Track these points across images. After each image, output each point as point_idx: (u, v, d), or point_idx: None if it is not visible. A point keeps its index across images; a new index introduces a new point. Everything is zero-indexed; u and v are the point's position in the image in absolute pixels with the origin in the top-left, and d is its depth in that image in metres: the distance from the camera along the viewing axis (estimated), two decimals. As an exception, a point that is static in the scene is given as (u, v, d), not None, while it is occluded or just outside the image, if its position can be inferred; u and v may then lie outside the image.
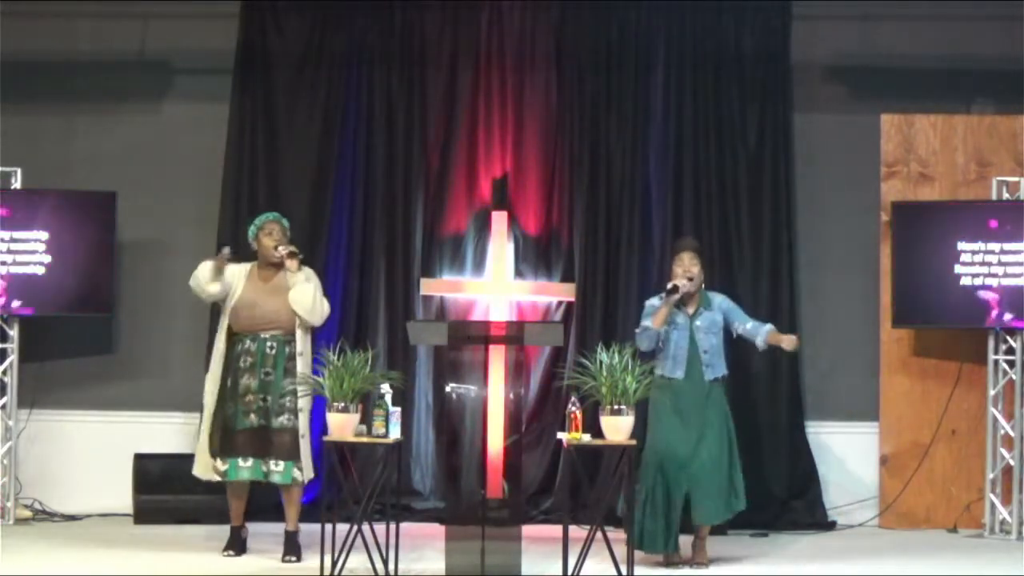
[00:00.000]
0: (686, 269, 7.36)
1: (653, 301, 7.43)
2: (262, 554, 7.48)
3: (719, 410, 7.35)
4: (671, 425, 7.18)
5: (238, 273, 7.48)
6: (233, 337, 7.40)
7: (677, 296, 7.29)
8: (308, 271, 7.48)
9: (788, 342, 7.42)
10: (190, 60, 9.00)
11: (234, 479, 7.30)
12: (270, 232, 7.46)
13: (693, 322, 7.37)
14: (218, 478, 7.34)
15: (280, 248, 7.37)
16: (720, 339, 7.43)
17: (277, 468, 7.26)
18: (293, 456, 7.27)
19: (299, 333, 7.36)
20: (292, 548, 7.37)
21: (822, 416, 8.83)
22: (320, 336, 7.91)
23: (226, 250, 7.41)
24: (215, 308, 8.57)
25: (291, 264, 7.35)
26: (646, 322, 7.36)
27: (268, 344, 7.34)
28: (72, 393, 8.90)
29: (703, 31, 8.88)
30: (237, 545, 7.45)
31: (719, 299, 7.51)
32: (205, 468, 7.37)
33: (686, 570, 7.25)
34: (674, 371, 7.34)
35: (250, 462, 7.27)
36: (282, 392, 7.28)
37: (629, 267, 8.74)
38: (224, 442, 7.30)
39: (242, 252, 7.66)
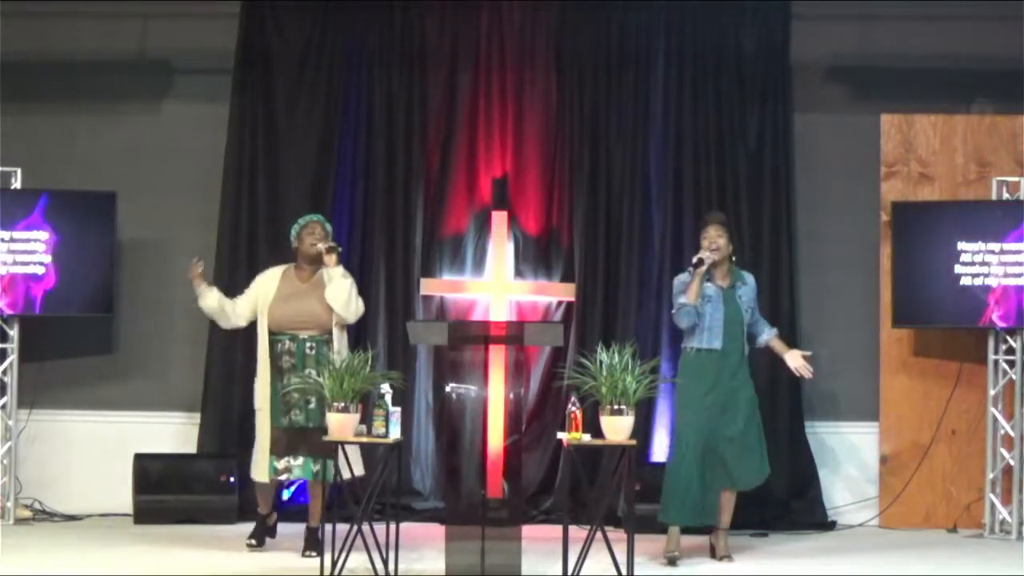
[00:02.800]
0: (711, 241, 7.44)
1: (682, 277, 7.52)
2: (263, 551, 7.48)
3: (748, 380, 7.49)
4: (701, 401, 7.29)
5: (270, 278, 7.54)
6: (272, 337, 7.41)
7: (704, 268, 7.36)
8: (345, 270, 7.55)
9: (792, 357, 7.58)
10: (190, 60, 9.00)
11: (302, 477, 7.37)
12: (312, 231, 7.54)
13: (734, 293, 7.47)
14: (283, 477, 7.36)
15: (320, 244, 7.45)
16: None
17: (316, 467, 7.30)
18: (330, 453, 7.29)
19: (335, 332, 7.39)
20: (313, 543, 7.39)
21: (822, 416, 8.83)
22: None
23: (196, 263, 7.58)
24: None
25: (329, 259, 7.43)
26: (680, 299, 7.43)
27: (308, 344, 7.38)
28: (72, 393, 8.90)
29: (703, 31, 8.88)
30: (261, 535, 7.48)
31: (752, 280, 7.62)
32: (262, 472, 7.38)
33: (689, 568, 7.26)
34: (712, 342, 7.42)
35: (300, 460, 7.32)
36: None
37: (629, 267, 8.74)
38: (278, 443, 7.34)
39: (283, 253, 7.80)
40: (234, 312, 7.57)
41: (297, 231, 7.59)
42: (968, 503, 8.61)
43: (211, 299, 7.55)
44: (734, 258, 7.60)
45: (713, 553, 7.49)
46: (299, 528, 7.58)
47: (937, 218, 8.53)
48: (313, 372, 7.24)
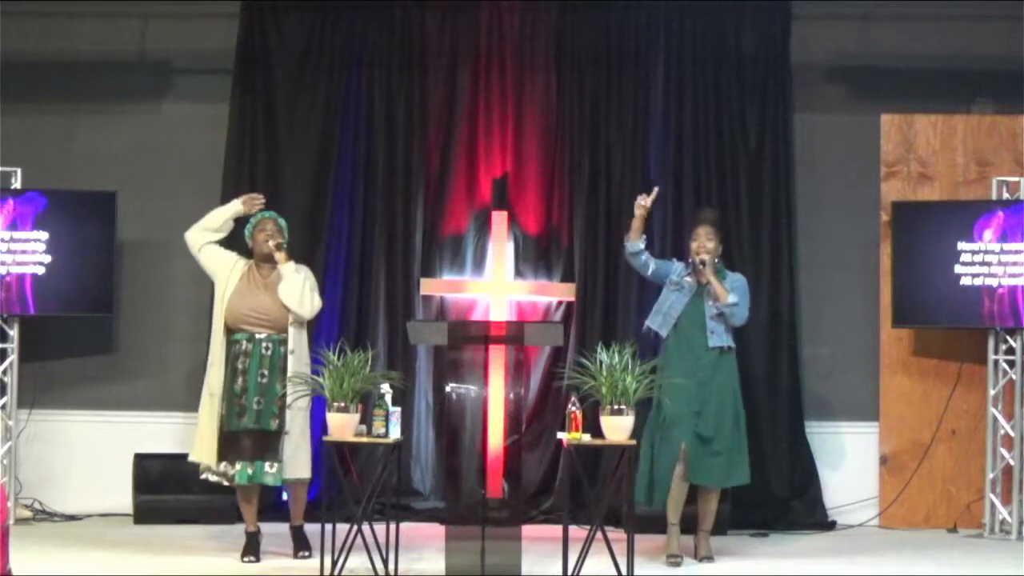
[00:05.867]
0: (701, 244, 7.45)
1: (678, 267, 7.61)
2: (263, 553, 7.48)
3: (728, 381, 7.43)
4: (675, 386, 7.17)
5: (235, 266, 7.47)
6: (230, 336, 7.37)
7: (708, 268, 7.42)
8: (301, 267, 7.48)
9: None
10: (190, 60, 9.00)
11: (244, 483, 7.27)
12: (264, 228, 7.49)
13: (706, 288, 7.43)
14: (219, 479, 7.30)
15: (269, 241, 7.41)
16: None
17: (271, 470, 7.24)
18: (282, 457, 7.27)
19: (291, 330, 7.34)
20: (303, 543, 7.39)
21: (822, 416, 8.83)
22: (320, 336, 7.92)
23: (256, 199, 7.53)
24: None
25: (278, 256, 7.39)
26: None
27: (264, 345, 7.31)
28: (72, 393, 8.90)
29: (703, 31, 8.88)
30: (255, 550, 7.35)
31: (735, 278, 7.56)
32: (208, 453, 7.28)
33: (689, 568, 7.26)
34: (661, 327, 7.49)
35: (253, 465, 7.26)
36: (277, 395, 7.23)
37: (629, 267, 8.70)
38: (224, 445, 7.27)
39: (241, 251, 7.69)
40: (210, 243, 7.50)
41: (250, 231, 7.54)
42: (968, 503, 8.61)
43: (224, 221, 7.51)
44: (717, 260, 7.51)
45: (695, 554, 7.44)
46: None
47: (937, 218, 8.53)
48: (267, 373, 7.24)
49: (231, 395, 7.28)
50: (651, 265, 7.60)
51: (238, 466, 7.24)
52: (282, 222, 7.58)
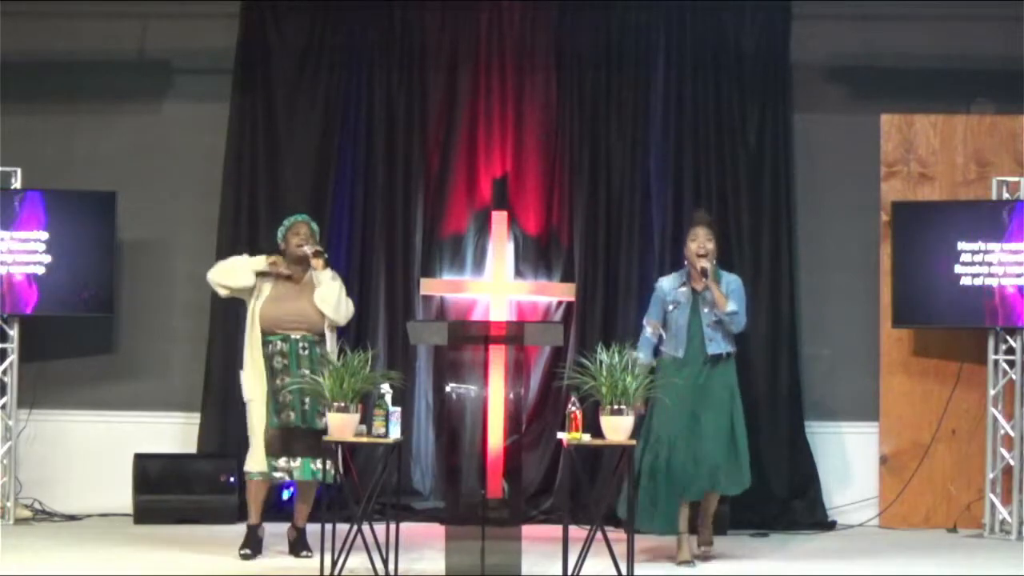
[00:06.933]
0: (701, 245, 7.39)
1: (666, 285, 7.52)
2: (263, 552, 7.48)
3: (724, 386, 7.37)
4: (665, 403, 7.14)
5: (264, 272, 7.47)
6: (264, 337, 7.35)
7: (711, 275, 7.33)
8: (334, 272, 7.49)
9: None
10: (190, 60, 9.00)
11: (307, 479, 7.27)
12: (297, 232, 7.47)
13: (701, 295, 7.38)
14: (282, 475, 7.28)
15: (306, 246, 7.39)
16: None
17: (317, 467, 7.24)
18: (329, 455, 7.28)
19: (328, 334, 7.36)
20: (304, 544, 7.40)
21: (822, 416, 8.83)
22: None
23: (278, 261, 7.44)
24: (215, 308, 8.59)
25: (316, 263, 7.38)
26: (647, 330, 7.43)
27: (300, 345, 7.32)
28: (72, 393, 8.90)
29: (703, 31, 8.89)
30: (254, 544, 7.38)
31: (731, 278, 7.50)
32: (259, 462, 7.28)
33: (689, 566, 7.26)
34: (676, 350, 7.38)
35: (299, 462, 7.27)
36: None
37: (629, 267, 8.75)
38: (275, 442, 7.26)
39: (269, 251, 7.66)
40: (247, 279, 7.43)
41: (283, 233, 7.52)
42: (968, 503, 8.61)
43: (246, 275, 7.40)
44: (714, 262, 7.46)
45: (696, 544, 7.43)
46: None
47: (937, 218, 8.53)
48: (307, 372, 7.21)
49: (270, 394, 7.29)
50: (660, 331, 7.43)
51: (298, 461, 7.26)
52: (315, 226, 7.56)
